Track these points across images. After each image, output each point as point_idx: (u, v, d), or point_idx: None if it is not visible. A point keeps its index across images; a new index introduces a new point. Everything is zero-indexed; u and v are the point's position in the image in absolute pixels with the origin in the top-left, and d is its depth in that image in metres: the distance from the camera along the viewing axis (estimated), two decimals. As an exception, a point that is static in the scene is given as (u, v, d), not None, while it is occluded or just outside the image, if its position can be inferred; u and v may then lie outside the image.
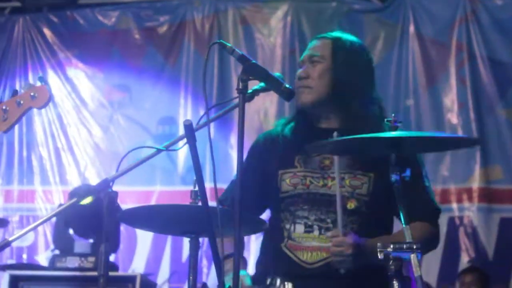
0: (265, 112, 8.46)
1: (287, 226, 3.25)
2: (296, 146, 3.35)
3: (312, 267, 3.18)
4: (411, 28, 8.59)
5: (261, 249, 3.17)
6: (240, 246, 2.47)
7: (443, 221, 8.08)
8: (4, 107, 3.33)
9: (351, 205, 3.23)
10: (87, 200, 5.35)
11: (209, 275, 8.14)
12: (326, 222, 3.22)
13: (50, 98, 3.34)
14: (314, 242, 3.20)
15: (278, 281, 2.80)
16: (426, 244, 3.03)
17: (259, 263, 3.12)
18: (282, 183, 3.31)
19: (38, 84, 3.36)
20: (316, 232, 3.22)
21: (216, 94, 8.68)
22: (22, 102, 3.30)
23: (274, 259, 3.07)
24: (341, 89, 3.29)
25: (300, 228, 3.24)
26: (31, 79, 9.41)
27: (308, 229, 3.23)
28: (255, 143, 3.51)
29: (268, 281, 2.82)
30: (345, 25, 8.62)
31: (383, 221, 3.36)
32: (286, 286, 2.81)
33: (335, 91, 3.28)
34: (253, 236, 6.12)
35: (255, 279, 3.20)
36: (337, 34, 3.47)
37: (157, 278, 8.11)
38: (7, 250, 8.73)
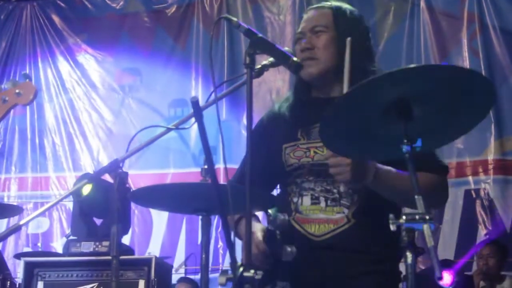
0: (278, 91, 8.46)
1: (295, 199, 3.22)
2: (298, 119, 3.30)
3: (320, 239, 3.14)
4: (422, 1, 8.54)
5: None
6: (250, 225, 2.46)
7: (459, 194, 8.09)
8: None
9: None
10: (87, 187, 5.37)
11: (225, 256, 8.17)
12: (332, 193, 3.18)
13: (36, 94, 3.38)
14: (321, 214, 3.17)
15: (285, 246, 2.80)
16: (433, 192, 2.98)
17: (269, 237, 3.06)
18: (287, 157, 3.26)
19: (26, 81, 3.41)
20: (322, 204, 3.18)
21: (227, 73, 8.68)
22: (7, 99, 3.34)
23: (283, 233, 3.04)
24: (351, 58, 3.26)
25: (306, 201, 3.20)
26: (40, 66, 9.44)
27: (315, 201, 3.19)
28: (260, 122, 3.45)
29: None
30: (356, 1, 8.58)
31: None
32: (291, 249, 2.80)
33: (340, 61, 3.25)
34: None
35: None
36: (333, 3, 3.42)
37: (173, 261, 8.14)
38: (23, 238, 8.79)
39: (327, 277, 3.12)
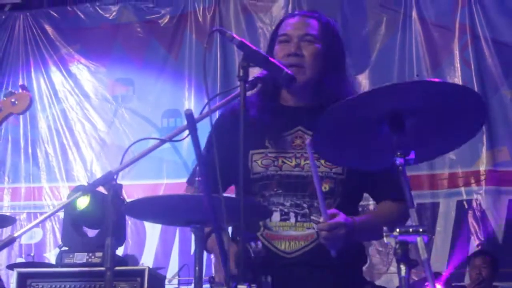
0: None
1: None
2: (266, 126, 3.26)
3: (291, 256, 3.12)
4: (414, 12, 8.56)
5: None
6: (242, 234, 2.46)
7: (451, 205, 8.11)
8: None
9: (326, 186, 3.17)
10: (84, 200, 5.36)
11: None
12: (302, 207, 3.15)
13: (30, 104, 3.44)
14: (291, 231, 3.13)
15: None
16: (397, 221, 2.90)
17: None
18: (253, 164, 3.24)
19: (20, 91, 3.46)
20: (292, 220, 3.15)
21: (220, 84, 8.69)
22: (2, 108, 3.40)
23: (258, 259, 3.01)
24: (329, 72, 3.26)
25: (276, 217, 3.16)
26: (33, 76, 9.43)
27: (285, 216, 3.16)
28: (221, 119, 3.37)
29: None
30: (348, 10, 8.62)
31: (357, 200, 3.35)
32: (256, 245, 2.77)
33: (324, 73, 3.24)
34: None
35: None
36: (322, 15, 3.40)
37: (166, 272, 8.13)
38: (16, 248, 8.77)
39: None
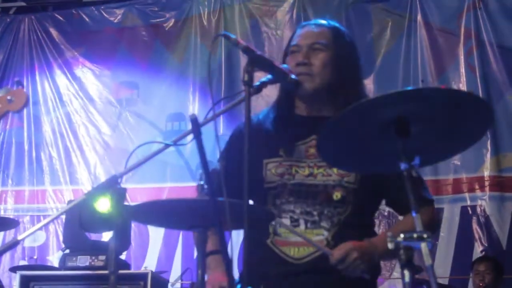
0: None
1: (273, 222, 3.18)
2: (280, 136, 3.28)
3: (300, 262, 3.11)
4: (419, 17, 8.57)
5: (244, 245, 3.00)
6: (248, 240, 2.46)
7: (455, 211, 8.10)
8: None
9: (338, 195, 3.17)
10: (98, 199, 5.36)
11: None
12: (312, 215, 3.15)
13: (27, 101, 3.43)
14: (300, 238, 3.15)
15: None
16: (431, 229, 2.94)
17: (243, 260, 2.94)
18: (267, 173, 3.24)
19: (16, 87, 3.45)
20: (302, 226, 3.15)
21: (224, 88, 8.69)
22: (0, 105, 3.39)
23: (260, 256, 3.00)
24: (340, 80, 3.25)
25: (286, 223, 3.18)
26: (37, 80, 9.45)
27: (294, 223, 3.16)
28: (237, 131, 3.41)
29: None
30: (352, 15, 8.62)
31: (371, 210, 3.34)
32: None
33: (335, 81, 3.24)
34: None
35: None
36: (332, 23, 3.40)
37: (169, 276, 8.12)
38: (19, 251, 8.77)
39: None
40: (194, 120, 2.47)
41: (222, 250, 2.54)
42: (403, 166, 2.39)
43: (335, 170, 3.17)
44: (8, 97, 3.42)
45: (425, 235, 2.22)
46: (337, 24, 3.41)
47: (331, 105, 3.21)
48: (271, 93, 3.49)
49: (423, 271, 2.22)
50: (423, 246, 2.19)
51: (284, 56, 3.39)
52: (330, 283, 3.11)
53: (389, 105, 2.35)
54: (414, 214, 2.27)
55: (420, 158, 2.45)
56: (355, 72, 3.35)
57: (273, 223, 3.16)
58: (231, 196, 2.53)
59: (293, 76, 3.00)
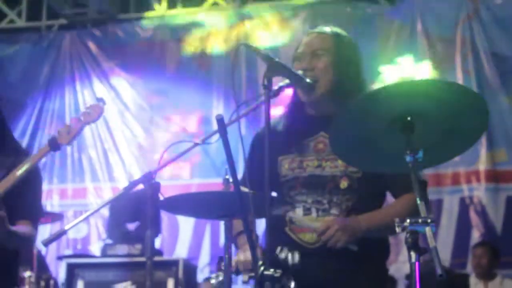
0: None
1: (289, 213, 3.21)
2: (292, 134, 3.29)
3: (313, 247, 3.12)
4: (419, 25, 8.57)
5: (266, 232, 3.05)
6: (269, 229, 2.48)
7: (454, 201, 8.11)
8: (69, 123, 3.55)
9: (344, 184, 3.17)
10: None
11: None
12: (322, 203, 3.16)
13: (101, 114, 3.51)
14: (313, 224, 3.16)
15: (286, 250, 2.76)
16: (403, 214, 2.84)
17: (265, 245, 2.97)
18: (282, 168, 3.26)
19: (96, 103, 3.55)
20: (314, 214, 3.16)
21: (245, 91, 8.72)
22: (82, 118, 3.50)
23: (279, 241, 3.01)
24: (343, 82, 3.23)
25: (299, 212, 3.19)
26: (78, 89, 9.53)
27: (307, 211, 3.18)
28: (256, 136, 3.43)
29: (278, 250, 2.77)
30: (360, 28, 8.59)
31: (377, 196, 3.31)
32: (294, 255, 2.77)
33: (338, 84, 3.22)
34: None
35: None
36: (334, 29, 3.38)
37: (198, 262, 8.15)
38: (64, 242, 8.82)
39: (326, 280, 3.11)
40: (220, 120, 2.48)
41: (247, 235, 2.55)
42: (408, 158, 2.39)
43: (339, 161, 3.17)
44: (89, 111, 3.51)
45: (429, 220, 2.22)
46: (339, 30, 3.38)
47: (337, 105, 3.20)
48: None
49: (428, 253, 2.21)
50: (428, 229, 2.19)
51: (292, 63, 3.38)
52: (340, 265, 3.11)
53: (396, 98, 2.35)
54: (418, 202, 2.27)
55: (425, 158, 2.43)
56: (358, 72, 3.33)
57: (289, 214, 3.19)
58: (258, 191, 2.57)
59: (308, 80, 3.00)
